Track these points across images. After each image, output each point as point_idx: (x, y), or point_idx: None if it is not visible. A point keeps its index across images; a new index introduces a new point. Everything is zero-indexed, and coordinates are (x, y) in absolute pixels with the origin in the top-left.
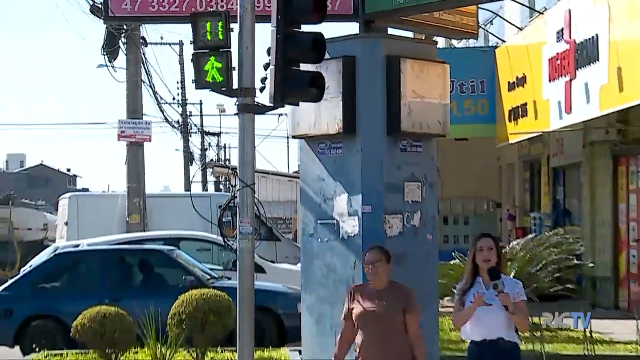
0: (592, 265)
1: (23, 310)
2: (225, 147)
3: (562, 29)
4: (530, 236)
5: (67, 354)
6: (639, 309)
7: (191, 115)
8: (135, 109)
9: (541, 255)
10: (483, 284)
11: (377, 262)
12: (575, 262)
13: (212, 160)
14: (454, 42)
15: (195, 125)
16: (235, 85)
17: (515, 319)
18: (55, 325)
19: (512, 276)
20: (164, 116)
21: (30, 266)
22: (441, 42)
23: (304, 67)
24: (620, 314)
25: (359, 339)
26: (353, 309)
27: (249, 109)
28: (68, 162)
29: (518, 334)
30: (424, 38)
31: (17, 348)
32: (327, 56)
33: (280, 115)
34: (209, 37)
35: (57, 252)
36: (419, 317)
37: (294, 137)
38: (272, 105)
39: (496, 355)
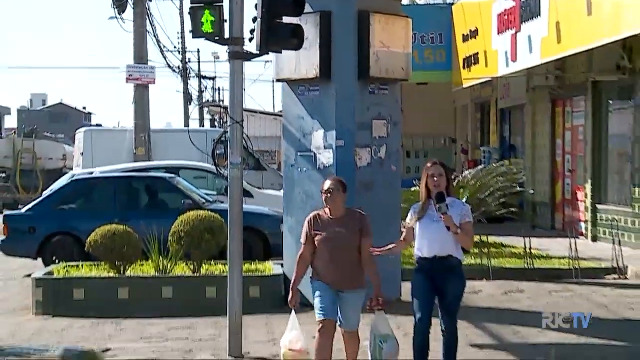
0: (532, 192)
1: (44, 228)
2: (219, 90)
3: None
4: (480, 167)
5: (82, 265)
6: (572, 229)
7: (190, 62)
8: (141, 56)
9: (489, 183)
10: (434, 205)
11: (333, 189)
12: (518, 189)
13: (207, 100)
14: (417, 0)
15: (194, 70)
16: (227, 35)
17: (459, 238)
18: (72, 241)
19: (463, 201)
20: (166, 62)
21: (51, 190)
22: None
23: (286, 19)
24: (555, 233)
25: (318, 260)
26: (315, 235)
27: (238, 56)
28: (84, 101)
29: (468, 252)
30: None
31: (40, 260)
32: (306, 10)
33: (266, 62)
34: None
35: (74, 178)
36: (372, 240)
37: (277, 81)
38: (258, 52)
39: (443, 269)
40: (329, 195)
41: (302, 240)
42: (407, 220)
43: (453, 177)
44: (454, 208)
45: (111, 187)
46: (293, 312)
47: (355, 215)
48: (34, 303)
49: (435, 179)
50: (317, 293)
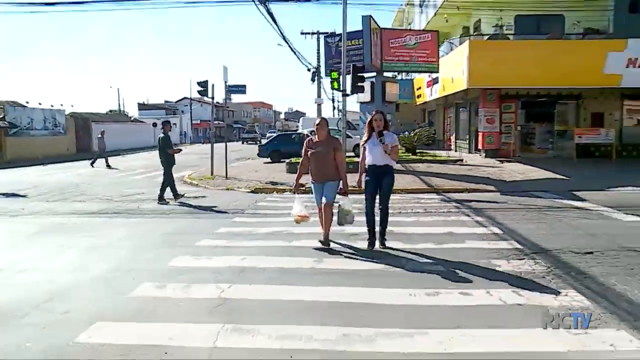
0: (436, 135)
1: (270, 148)
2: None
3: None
4: (420, 129)
5: (292, 159)
6: (449, 148)
7: (335, 96)
8: (319, 94)
9: (423, 133)
10: (375, 136)
11: (319, 124)
12: (432, 135)
13: (340, 109)
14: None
15: (336, 99)
16: (341, 88)
17: (390, 155)
18: (279, 151)
19: (414, 140)
20: (326, 96)
21: (273, 136)
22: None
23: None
24: (444, 150)
25: (311, 166)
26: (308, 150)
27: (345, 95)
28: (303, 109)
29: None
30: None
31: (269, 159)
32: (366, 81)
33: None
34: (333, 76)
35: (279, 133)
36: (342, 154)
37: (357, 102)
38: (350, 94)
39: (381, 172)
40: (317, 127)
41: (302, 153)
42: (361, 144)
43: (414, 131)
44: (387, 137)
45: (290, 136)
46: (297, 195)
47: (331, 140)
48: (285, 169)
49: (378, 122)
50: (314, 194)
